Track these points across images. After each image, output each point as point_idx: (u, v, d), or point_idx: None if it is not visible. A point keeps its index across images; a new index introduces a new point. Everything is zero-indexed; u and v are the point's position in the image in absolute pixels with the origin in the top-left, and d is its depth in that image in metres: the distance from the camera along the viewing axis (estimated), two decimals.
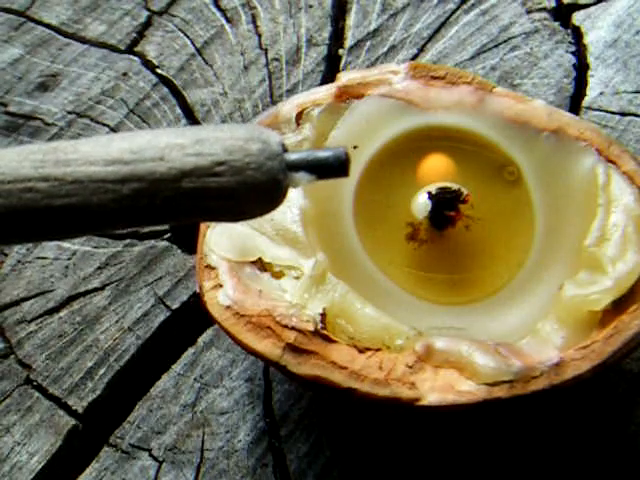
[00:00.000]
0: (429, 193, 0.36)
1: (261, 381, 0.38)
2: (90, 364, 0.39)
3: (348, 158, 0.27)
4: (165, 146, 0.26)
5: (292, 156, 0.27)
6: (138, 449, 0.37)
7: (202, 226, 0.35)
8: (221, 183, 0.26)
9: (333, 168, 0.27)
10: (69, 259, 0.41)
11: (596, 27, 0.45)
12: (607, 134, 0.39)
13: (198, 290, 0.34)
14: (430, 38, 0.46)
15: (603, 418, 0.36)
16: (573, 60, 0.44)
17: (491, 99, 0.37)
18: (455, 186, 0.36)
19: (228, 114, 0.44)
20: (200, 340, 0.39)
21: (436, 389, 0.31)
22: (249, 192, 0.26)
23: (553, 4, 0.46)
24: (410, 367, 0.32)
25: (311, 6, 0.47)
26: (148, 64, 0.46)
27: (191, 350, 0.39)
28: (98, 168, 0.26)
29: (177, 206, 0.26)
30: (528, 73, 0.44)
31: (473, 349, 0.32)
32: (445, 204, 0.35)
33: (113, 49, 0.47)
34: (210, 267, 0.34)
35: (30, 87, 0.46)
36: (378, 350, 0.32)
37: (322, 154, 0.27)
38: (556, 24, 0.45)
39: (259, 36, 0.46)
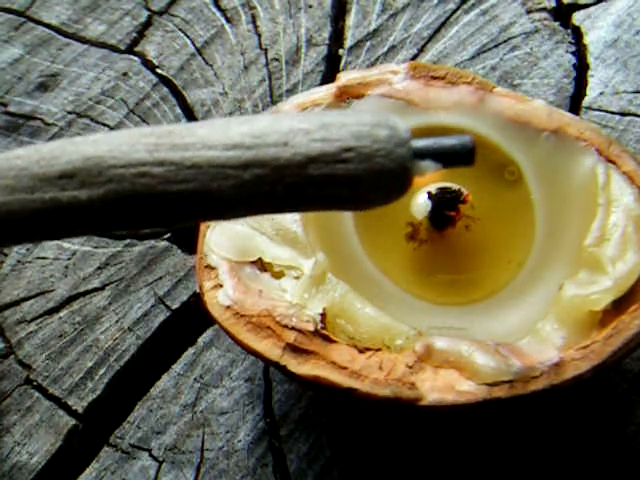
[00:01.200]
0: (429, 193, 0.36)
1: (261, 381, 0.38)
2: (90, 364, 0.39)
3: (474, 146, 0.26)
4: (289, 131, 0.25)
5: (419, 143, 0.26)
6: (138, 449, 0.37)
7: (202, 226, 0.35)
8: (349, 170, 0.25)
9: (460, 156, 0.26)
10: (69, 259, 0.41)
11: (596, 27, 0.45)
12: (607, 134, 0.39)
13: (198, 290, 0.34)
14: (430, 38, 0.46)
15: (603, 418, 0.36)
16: (573, 60, 0.44)
17: (491, 99, 0.37)
18: (455, 186, 0.36)
19: (228, 114, 0.44)
20: (200, 340, 0.39)
21: (436, 389, 0.31)
22: (377, 180, 0.25)
23: (553, 4, 0.46)
24: (410, 367, 0.32)
25: (311, 6, 0.47)
26: (148, 64, 0.46)
27: (191, 350, 0.39)
28: (218, 152, 0.25)
29: (301, 193, 0.25)
30: (528, 73, 0.44)
31: (473, 349, 0.32)
32: (445, 204, 0.35)
33: (113, 49, 0.47)
34: (210, 267, 0.34)
35: (30, 87, 0.46)
36: (378, 350, 0.32)
37: (449, 142, 0.26)
38: (556, 24, 0.45)
39: (259, 36, 0.46)
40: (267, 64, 0.46)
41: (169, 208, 0.25)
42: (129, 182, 0.24)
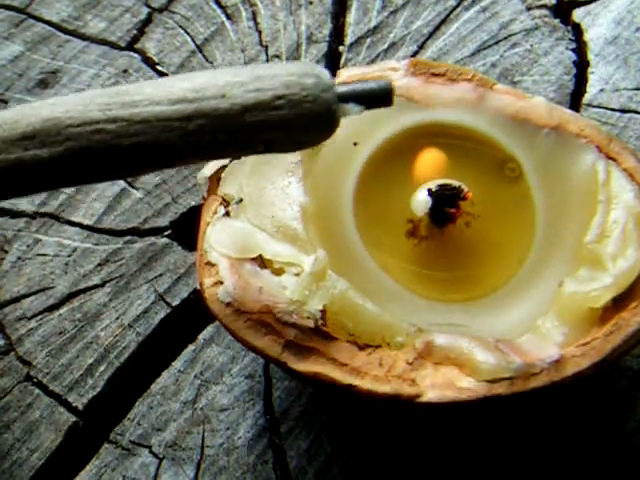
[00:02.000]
0: (429, 190, 0.36)
1: (261, 378, 0.38)
2: (90, 361, 0.39)
3: (392, 89, 0.29)
4: (225, 84, 0.28)
5: (342, 88, 0.29)
6: (138, 446, 0.38)
7: (202, 223, 0.35)
8: (281, 115, 0.28)
9: (379, 98, 0.29)
10: (69, 256, 0.41)
11: (596, 24, 0.45)
12: (607, 131, 0.39)
13: (198, 287, 0.34)
14: (430, 35, 0.46)
15: (603, 415, 0.36)
16: (573, 57, 0.44)
17: (491, 96, 0.37)
18: (455, 183, 0.36)
19: None
20: (200, 337, 0.39)
21: (436, 386, 0.31)
22: (307, 123, 0.28)
23: (553, 1, 0.46)
24: (410, 364, 0.32)
25: (311, 3, 0.47)
26: (148, 61, 0.46)
27: (191, 347, 0.39)
28: (164, 107, 0.27)
29: (239, 139, 0.28)
30: (528, 70, 0.44)
31: (473, 346, 0.32)
32: (445, 201, 0.35)
33: (113, 46, 0.47)
34: (210, 264, 0.34)
35: (31, 84, 0.46)
36: (378, 347, 0.32)
37: (369, 85, 0.29)
38: (556, 21, 0.45)
39: (259, 33, 0.46)
40: (268, 61, 0.46)
41: (123, 160, 0.28)
42: (86, 139, 0.27)
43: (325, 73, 0.29)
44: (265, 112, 0.28)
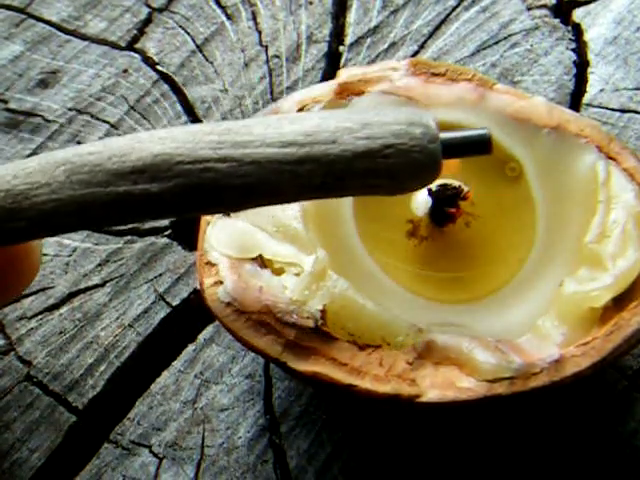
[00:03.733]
0: (429, 190, 0.36)
1: (261, 378, 0.38)
2: (90, 361, 0.39)
3: (491, 137, 0.30)
4: (335, 130, 0.29)
5: (446, 136, 0.30)
6: (138, 445, 0.38)
7: (202, 223, 0.35)
8: (389, 164, 0.29)
9: (479, 146, 0.30)
10: (69, 256, 0.41)
11: (596, 24, 0.45)
12: (607, 131, 0.39)
13: (198, 287, 0.34)
14: (430, 35, 0.46)
15: (603, 415, 0.36)
16: (573, 57, 0.44)
17: (491, 96, 0.37)
18: (456, 183, 0.36)
19: (228, 111, 0.44)
20: (200, 337, 0.39)
21: (436, 385, 0.31)
22: (412, 171, 0.29)
23: (553, 1, 0.46)
24: (410, 364, 0.32)
25: (311, 3, 0.47)
26: (148, 61, 0.46)
27: (191, 347, 0.39)
28: (275, 150, 0.28)
29: (347, 184, 0.29)
30: (528, 70, 0.44)
31: (473, 345, 0.32)
32: (445, 201, 0.35)
33: (113, 46, 0.47)
34: (210, 264, 0.34)
35: (30, 84, 0.46)
36: (378, 347, 0.32)
37: (470, 134, 0.31)
38: (556, 21, 0.45)
39: (259, 33, 0.46)
40: (267, 61, 0.46)
41: (231, 198, 0.29)
42: (196, 177, 0.28)
43: (432, 123, 0.29)
44: (374, 160, 0.28)
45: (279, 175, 0.28)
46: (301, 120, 0.29)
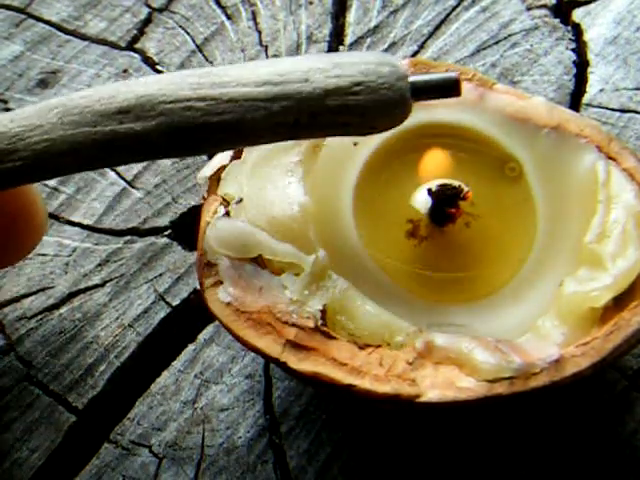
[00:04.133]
0: (429, 190, 0.36)
1: (261, 378, 0.38)
2: (90, 361, 0.39)
3: (459, 80, 0.31)
4: (308, 69, 0.30)
5: (414, 78, 0.31)
6: (138, 445, 0.38)
7: (202, 223, 0.35)
8: (359, 101, 0.30)
9: (448, 88, 0.31)
10: (69, 256, 0.41)
11: (596, 24, 0.45)
12: (607, 131, 0.39)
13: (198, 287, 0.34)
14: (430, 35, 0.46)
15: (603, 415, 0.36)
16: (573, 57, 0.44)
17: (491, 96, 0.37)
18: (455, 183, 0.36)
19: None
20: (200, 337, 0.39)
21: (436, 386, 0.31)
22: (382, 108, 0.30)
23: (553, 1, 0.46)
24: (410, 364, 0.32)
25: (311, 3, 0.47)
26: (148, 61, 0.46)
27: (191, 347, 0.39)
28: (250, 89, 0.29)
29: (319, 121, 0.30)
30: (528, 70, 0.44)
31: (473, 345, 0.32)
32: (445, 201, 0.35)
33: (113, 46, 0.47)
34: (210, 264, 0.34)
35: (30, 84, 0.46)
36: (378, 347, 0.32)
37: (438, 77, 0.31)
38: (556, 21, 0.45)
39: (259, 33, 0.46)
40: None
41: (210, 136, 0.30)
42: (177, 115, 0.29)
43: (400, 63, 0.31)
44: (344, 97, 0.29)
45: (254, 112, 0.29)
46: (276, 62, 0.31)
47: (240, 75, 0.30)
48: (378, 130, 0.31)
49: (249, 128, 0.30)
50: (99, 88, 0.30)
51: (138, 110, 0.29)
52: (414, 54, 0.45)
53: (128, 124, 0.29)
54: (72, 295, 0.41)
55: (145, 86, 0.30)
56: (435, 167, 0.36)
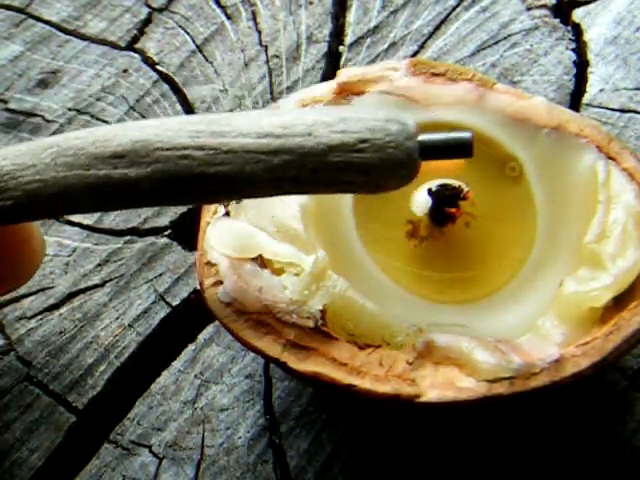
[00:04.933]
0: (429, 190, 0.36)
1: (261, 378, 0.38)
2: (90, 361, 0.39)
3: (472, 141, 0.30)
4: (313, 123, 0.29)
5: (424, 137, 0.30)
6: (138, 445, 0.38)
7: (202, 223, 0.35)
8: (363, 159, 0.28)
9: (459, 149, 0.30)
10: (69, 256, 0.41)
11: (596, 24, 0.45)
12: (607, 131, 0.39)
13: (198, 287, 0.34)
14: (430, 35, 0.46)
15: (603, 415, 0.36)
16: (573, 57, 0.44)
17: (491, 96, 0.37)
18: (455, 183, 0.36)
19: (228, 111, 0.44)
20: (200, 337, 0.39)
21: (436, 386, 0.31)
22: (388, 168, 0.29)
23: (553, 1, 0.46)
24: (410, 364, 0.32)
25: (311, 3, 0.47)
26: (148, 61, 0.46)
27: (191, 347, 0.39)
28: (251, 140, 0.29)
29: (321, 178, 0.29)
30: (528, 70, 0.44)
31: (473, 345, 0.32)
32: (445, 201, 0.35)
33: (113, 46, 0.47)
34: (210, 264, 0.34)
35: (30, 84, 0.46)
36: (378, 347, 0.32)
37: (450, 136, 0.30)
38: (556, 21, 0.45)
39: (259, 33, 0.46)
40: (267, 61, 0.46)
41: (206, 187, 0.29)
42: (173, 163, 0.28)
43: (410, 121, 0.29)
44: (348, 154, 0.28)
45: (254, 165, 0.28)
46: (280, 114, 0.30)
47: (242, 125, 0.29)
48: (384, 189, 0.30)
49: (248, 181, 0.29)
50: (95, 130, 0.30)
51: (133, 155, 0.29)
52: (414, 54, 0.45)
53: (122, 169, 0.29)
54: (72, 295, 0.41)
55: (142, 131, 0.29)
56: (437, 166, 0.36)
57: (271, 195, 0.30)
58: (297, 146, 0.28)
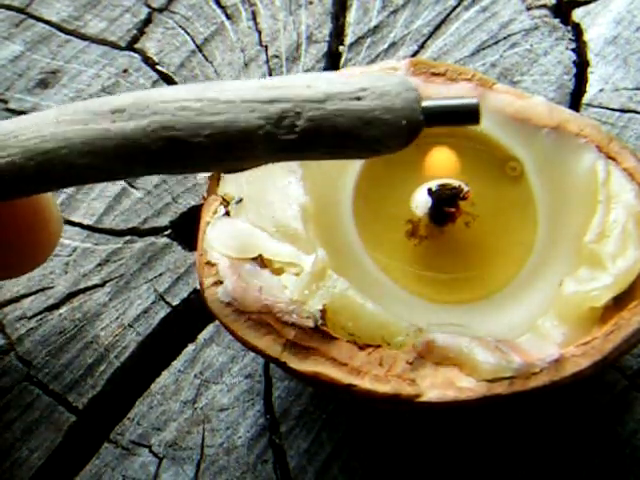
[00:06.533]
0: (429, 189, 0.36)
1: (261, 377, 0.38)
2: (90, 361, 0.39)
3: (479, 107, 0.29)
4: (314, 78, 0.29)
5: (429, 102, 0.29)
6: (138, 445, 0.38)
7: (202, 223, 0.35)
8: (362, 106, 0.28)
9: (466, 115, 0.29)
10: (69, 256, 0.41)
11: (596, 24, 0.45)
12: (607, 131, 0.39)
13: (198, 287, 0.34)
14: (430, 35, 0.46)
15: (603, 415, 0.36)
16: (573, 57, 0.44)
17: (491, 96, 0.37)
18: (455, 182, 0.36)
19: None
20: (200, 337, 0.39)
21: (436, 385, 0.31)
22: (388, 115, 0.28)
23: (553, 1, 0.46)
24: (410, 363, 0.32)
25: (311, 3, 0.47)
26: (148, 61, 0.46)
27: (191, 347, 0.39)
28: (249, 92, 0.28)
29: (318, 128, 0.28)
30: (528, 70, 0.44)
31: (473, 345, 0.32)
32: (445, 200, 0.35)
33: (113, 46, 0.47)
34: (210, 264, 0.34)
35: (31, 84, 0.46)
36: (378, 346, 0.32)
37: (456, 102, 0.29)
38: (556, 21, 0.45)
39: (259, 33, 0.46)
40: (267, 61, 0.46)
41: (203, 139, 0.28)
42: (170, 114, 0.28)
43: (410, 80, 0.29)
44: (346, 101, 0.28)
45: (249, 114, 0.28)
46: (276, 78, 0.30)
47: (241, 83, 0.29)
48: (383, 145, 0.28)
49: (243, 132, 0.28)
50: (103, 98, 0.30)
51: (132, 109, 0.29)
52: (414, 54, 0.45)
53: (120, 122, 0.29)
54: (72, 295, 0.41)
55: (145, 91, 0.30)
56: (438, 166, 0.36)
57: (268, 157, 0.29)
58: (294, 95, 0.28)
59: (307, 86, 0.28)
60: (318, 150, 0.29)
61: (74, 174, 0.30)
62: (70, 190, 0.43)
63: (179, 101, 0.29)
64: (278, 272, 0.33)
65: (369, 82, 0.28)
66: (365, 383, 0.31)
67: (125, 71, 0.46)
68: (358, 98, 0.28)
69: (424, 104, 0.29)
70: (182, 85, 0.30)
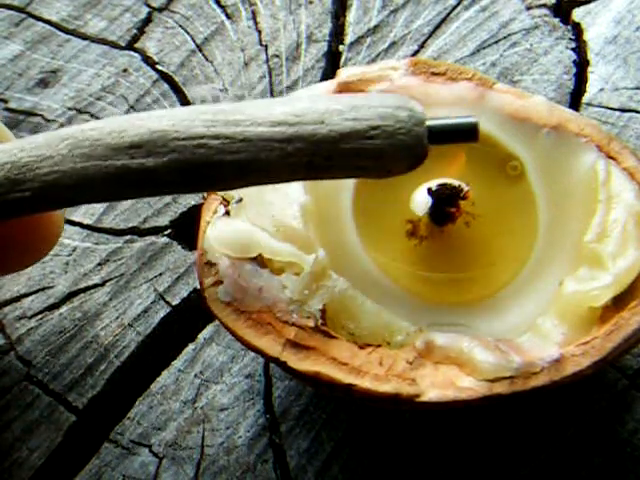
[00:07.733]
0: (429, 189, 0.35)
1: (261, 377, 0.38)
2: (90, 360, 0.39)
3: (477, 125, 0.31)
4: (325, 111, 0.30)
5: (432, 122, 0.30)
6: (138, 445, 0.38)
7: (202, 223, 0.35)
8: (375, 145, 0.29)
9: (465, 133, 0.31)
10: (69, 255, 0.41)
11: (596, 23, 0.45)
12: (607, 130, 0.39)
13: (198, 286, 0.34)
14: (430, 34, 0.46)
15: (603, 414, 0.36)
16: (573, 56, 0.44)
17: (491, 95, 0.37)
18: (455, 182, 0.36)
19: None
20: (200, 336, 0.39)
21: (436, 385, 0.31)
22: (398, 153, 0.30)
23: (553, 0, 0.46)
24: (410, 363, 0.32)
25: (311, 2, 0.47)
26: (148, 60, 0.46)
27: (191, 346, 0.39)
28: (265, 129, 0.29)
29: (334, 164, 0.30)
30: (528, 69, 0.44)
31: (473, 345, 0.32)
32: (445, 200, 0.35)
33: (113, 45, 0.47)
34: (210, 263, 0.34)
35: (30, 83, 0.46)
36: (378, 346, 0.32)
37: (456, 121, 0.31)
38: (556, 20, 0.45)
39: (259, 32, 0.46)
40: (267, 60, 0.46)
41: (223, 175, 0.30)
42: (189, 152, 0.29)
43: (419, 108, 0.30)
44: (360, 141, 0.29)
45: (269, 152, 0.29)
46: (291, 102, 0.30)
47: (255, 114, 0.30)
48: (394, 174, 0.31)
49: (262, 167, 0.29)
50: (110, 120, 0.30)
51: (150, 146, 0.29)
52: (414, 53, 0.45)
53: (140, 159, 0.29)
54: (72, 295, 0.41)
55: (158, 121, 0.30)
56: (440, 166, 0.36)
57: (286, 180, 0.31)
58: (310, 134, 0.29)
59: (321, 122, 0.29)
60: (332, 176, 0.31)
61: (91, 202, 0.31)
62: None
63: (195, 138, 0.29)
64: (278, 272, 0.33)
65: (380, 119, 0.29)
66: (365, 383, 0.31)
67: (125, 70, 0.46)
68: (370, 137, 0.29)
69: (428, 124, 0.30)
70: (192, 110, 0.30)
